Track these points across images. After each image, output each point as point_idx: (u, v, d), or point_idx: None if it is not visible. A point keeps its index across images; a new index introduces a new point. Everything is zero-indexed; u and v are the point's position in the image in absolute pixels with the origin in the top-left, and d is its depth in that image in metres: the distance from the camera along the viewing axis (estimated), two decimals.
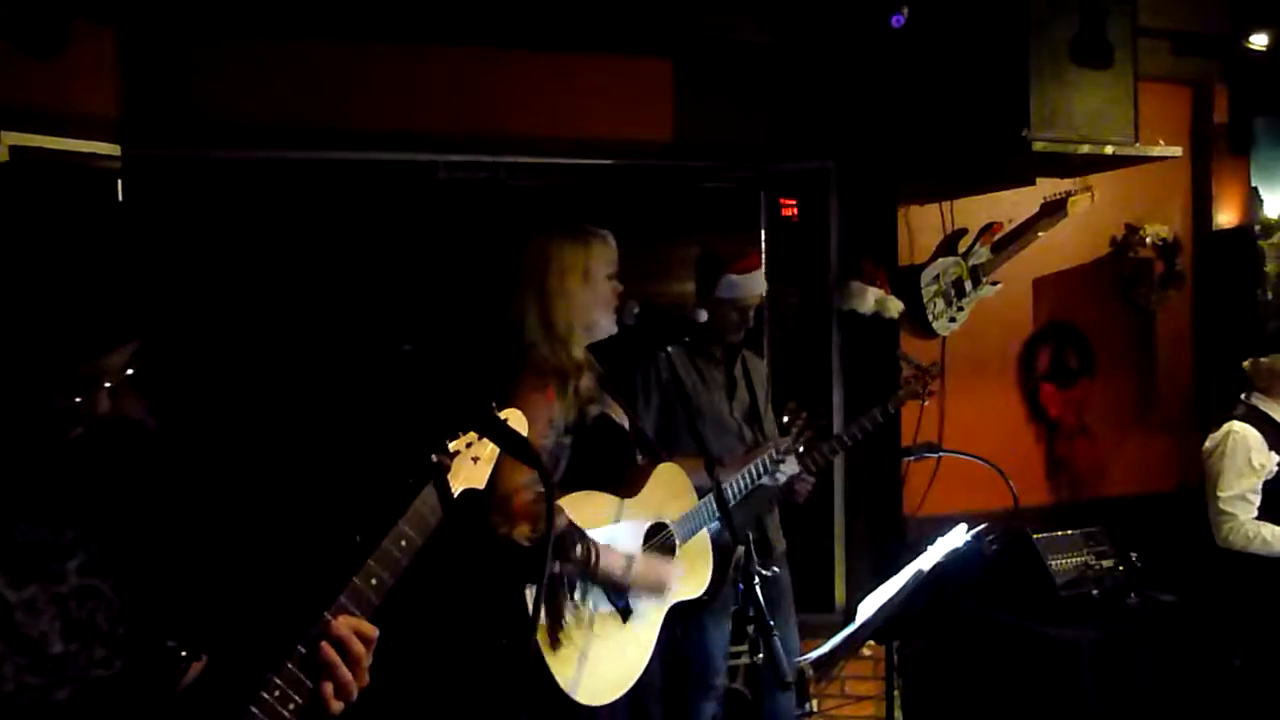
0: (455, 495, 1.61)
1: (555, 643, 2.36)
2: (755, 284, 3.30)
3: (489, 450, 1.65)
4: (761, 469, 3.06)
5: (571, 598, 2.37)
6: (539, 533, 2.25)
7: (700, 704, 3.25)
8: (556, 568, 2.31)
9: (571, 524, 2.34)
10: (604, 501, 2.52)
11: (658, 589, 2.54)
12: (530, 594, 2.31)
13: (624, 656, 2.51)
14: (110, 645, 1.31)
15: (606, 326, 2.62)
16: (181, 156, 3.35)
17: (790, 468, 3.16)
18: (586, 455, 2.45)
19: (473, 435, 1.64)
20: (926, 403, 3.60)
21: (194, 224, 3.28)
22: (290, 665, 1.34)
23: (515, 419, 1.74)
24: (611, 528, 2.50)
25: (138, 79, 3.30)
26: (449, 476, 1.60)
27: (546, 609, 2.33)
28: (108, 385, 1.29)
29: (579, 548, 2.35)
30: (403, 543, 1.48)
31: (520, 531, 2.26)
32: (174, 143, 3.34)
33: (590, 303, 2.55)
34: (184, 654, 1.36)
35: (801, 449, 3.20)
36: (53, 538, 1.29)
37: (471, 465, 1.65)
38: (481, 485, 1.65)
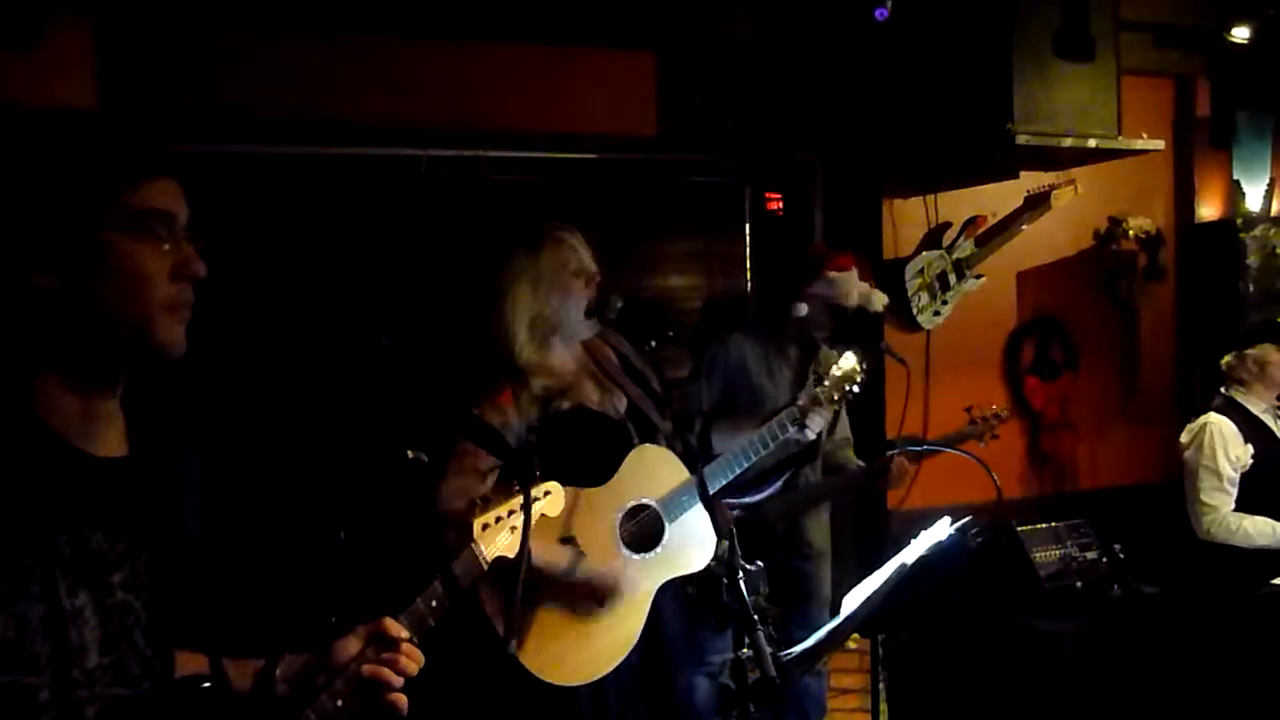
0: (489, 562, 1.77)
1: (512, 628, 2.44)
2: (851, 283, 3.39)
3: (521, 520, 1.77)
4: (781, 428, 3.04)
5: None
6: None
7: (692, 682, 3.29)
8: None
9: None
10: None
11: (609, 584, 2.58)
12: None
13: (606, 638, 2.59)
14: (143, 664, 1.28)
15: (574, 326, 2.69)
16: None
17: (816, 424, 3.12)
18: (555, 447, 2.48)
19: (514, 504, 1.79)
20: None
21: None
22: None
23: (555, 494, 1.96)
24: (572, 518, 2.57)
25: (116, 72, 3.26)
26: (492, 541, 1.78)
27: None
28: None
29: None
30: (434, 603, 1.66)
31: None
32: None
33: (543, 308, 2.64)
34: (206, 685, 1.35)
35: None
36: (108, 547, 1.25)
37: (509, 535, 1.80)
38: (512, 555, 1.79)
